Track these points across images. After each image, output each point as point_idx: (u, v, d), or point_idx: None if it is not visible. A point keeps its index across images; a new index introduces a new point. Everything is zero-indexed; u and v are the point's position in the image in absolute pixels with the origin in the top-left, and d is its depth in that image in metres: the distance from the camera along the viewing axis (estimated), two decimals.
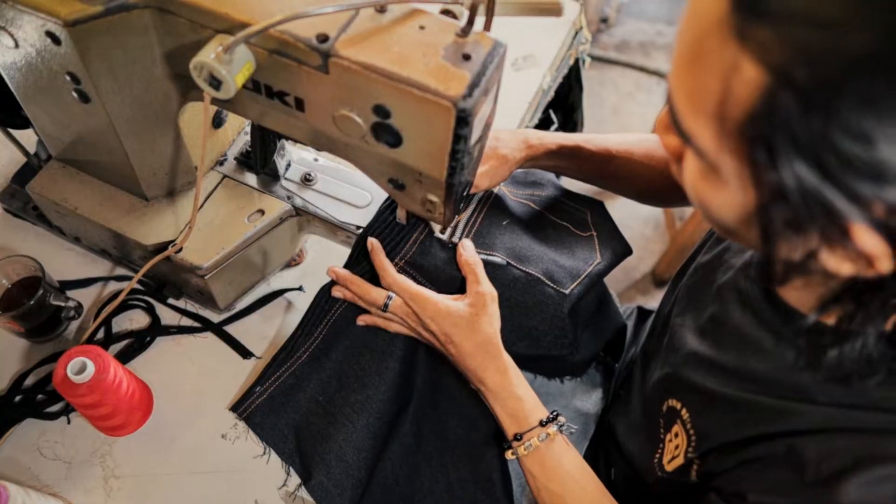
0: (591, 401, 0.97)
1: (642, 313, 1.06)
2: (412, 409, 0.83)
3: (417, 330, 0.79)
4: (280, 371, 0.84)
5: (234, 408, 0.84)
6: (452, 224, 0.82)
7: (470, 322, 0.75)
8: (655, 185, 0.90)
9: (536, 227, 0.86)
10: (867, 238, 0.41)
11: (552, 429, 0.75)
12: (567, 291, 0.81)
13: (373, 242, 0.79)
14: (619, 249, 0.88)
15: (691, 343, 0.71)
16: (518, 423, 0.76)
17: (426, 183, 0.66)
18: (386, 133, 0.61)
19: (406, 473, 0.81)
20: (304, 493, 0.81)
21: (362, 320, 0.82)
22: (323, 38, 0.57)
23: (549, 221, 0.88)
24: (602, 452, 0.94)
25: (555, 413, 0.76)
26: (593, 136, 0.89)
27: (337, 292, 0.82)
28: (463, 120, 0.56)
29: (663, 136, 0.54)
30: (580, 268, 0.84)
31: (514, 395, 0.76)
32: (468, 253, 0.79)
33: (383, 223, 0.81)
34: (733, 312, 0.66)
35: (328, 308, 0.84)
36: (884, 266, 0.42)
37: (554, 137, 0.86)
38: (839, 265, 0.45)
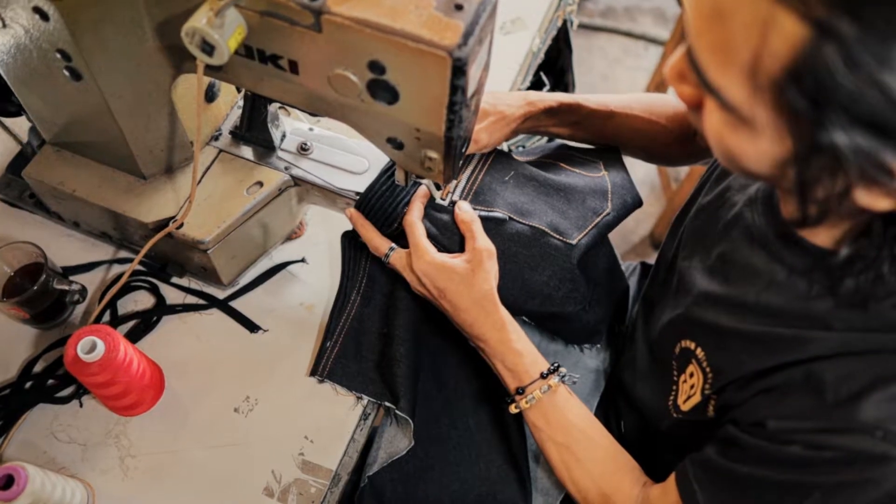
0: (600, 357, 0.98)
1: (646, 269, 1.06)
2: (427, 363, 0.84)
3: (413, 284, 0.79)
4: (342, 320, 0.86)
5: (313, 372, 0.85)
6: (452, 183, 0.82)
7: (465, 278, 0.75)
8: (659, 141, 0.90)
9: (543, 178, 0.85)
10: None
11: (553, 380, 0.75)
12: (574, 242, 0.80)
13: (425, 183, 0.80)
14: (630, 200, 0.87)
15: (701, 283, 0.71)
16: (518, 377, 0.76)
17: (424, 139, 0.65)
18: (382, 90, 0.61)
19: (423, 417, 0.82)
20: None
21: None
22: None
23: (558, 169, 0.87)
24: (612, 406, 0.94)
25: (556, 364, 0.77)
26: (591, 94, 0.89)
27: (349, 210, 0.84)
28: (459, 70, 0.56)
29: (677, 85, 0.53)
30: (588, 217, 0.83)
31: (513, 349, 0.76)
32: (464, 211, 0.79)
33: (382, 186, 0.81)
34: (742, 249, 0.66)
35: (362, 247, 0.85)
36: None
37: (553, 95, 0.86)
38: (875, 202, 0.45)
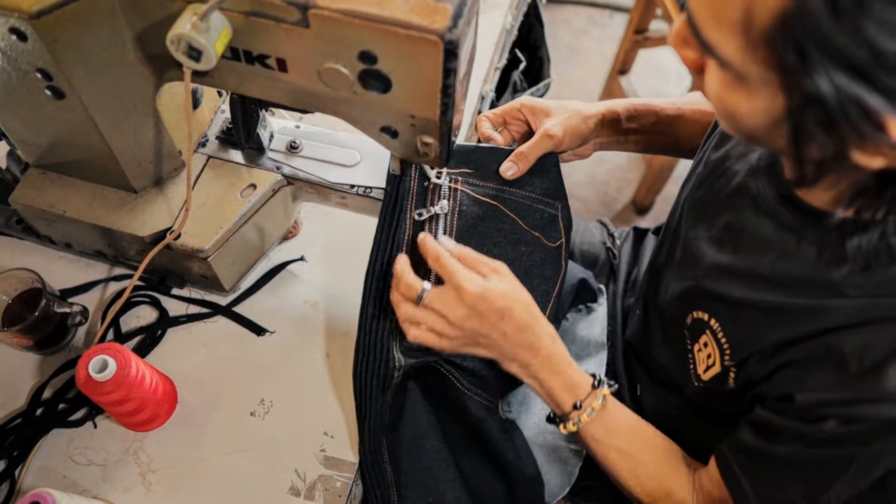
0: (595, 327, 0.98)
1: (638, 233, 1.07)
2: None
3: (458, 322, 0.69)
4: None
5: None
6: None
7: (515, 288, 0.70)
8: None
9: (503, 255, 0.79)
10: None
11: (605, 389, 0.74)
12: None
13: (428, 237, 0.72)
14: (571, 231, 0.87)
15: (709, 254, 0.71)
16: (574, 391, 0.74)
17: (420, 125, 0.65)
18: (374, 79, 0.61)
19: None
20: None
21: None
22: None
23: (520, 238, 0.81)
24: (622, 372, 0.95)
25: (597, 375, 0.76)
26: (654, 97, 0.89)
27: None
28: (451, 52, 0.56)
29: (680, 49, 0.54)
30: (549, 292, 0.82)
31: (567, 360, 0.74)
32: (446, 247, 0.71)
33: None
34: (748, 219, 0.67)
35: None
36: None
37: (623, 101, 0.86)
38: (870, 160, 0.46)
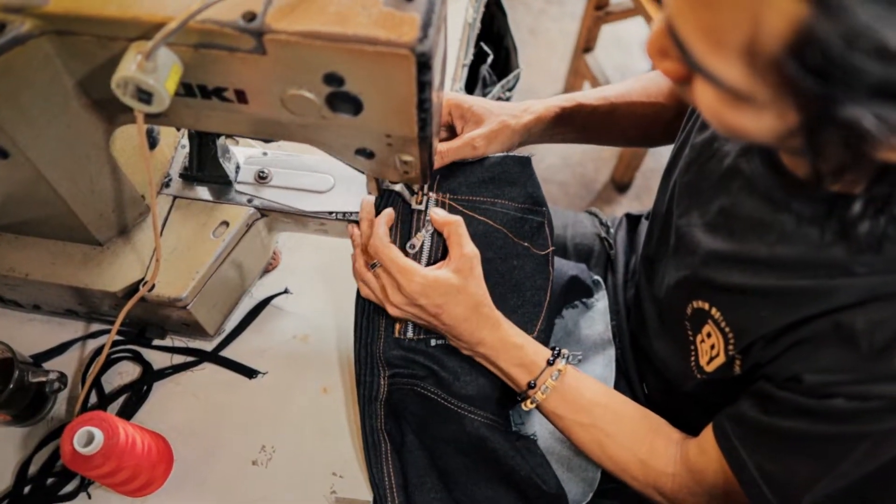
0: (597, 325, 0.94)
1: (631, 220, 1.03)
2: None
3: (400, 305, 0.72)
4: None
5: None
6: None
7: (460, 288, 0.70)
8: (661, 122, 0.88)
9: (497, 276, 0.78)
10: None
11: (560, 364, 0.73)
12: (534, 336, 0.78)
13: (385, 215, 0.73)
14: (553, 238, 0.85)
15: (705, 241, 0.68)
16: (527, 369, 0.73)
17: (397, 144, 0.61)
18: (343, 102, 0.56)
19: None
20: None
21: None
22: (250, 17, 0.52)
23: (511, 251, 0.80)
24: (632, 368, 0.92)
25: (556, 349, 0.75)
26: (584, 91, 0.86)
27: (352, 228, 0.76)
28: (424, 65, 0.52)
29: (660, 62, 0.51)
30: (540, 301, 0.81)
31: (514, 344, 0.74)
32: (444, 215, 0.74)
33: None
34: (744, 202, 0.64)
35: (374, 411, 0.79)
36: None
37: (554, 102, 0.83)
38: (889, 155, 0.43)
